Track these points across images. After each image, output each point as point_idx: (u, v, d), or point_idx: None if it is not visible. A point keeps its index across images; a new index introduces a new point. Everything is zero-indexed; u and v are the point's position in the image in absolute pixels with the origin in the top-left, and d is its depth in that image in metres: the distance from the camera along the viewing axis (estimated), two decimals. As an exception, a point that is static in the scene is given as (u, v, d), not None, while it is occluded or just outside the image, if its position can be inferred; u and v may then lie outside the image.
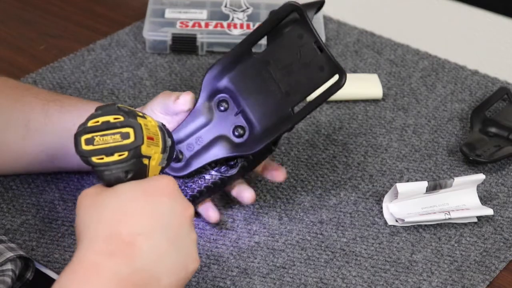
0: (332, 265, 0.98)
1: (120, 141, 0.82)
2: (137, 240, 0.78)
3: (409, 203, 1.03)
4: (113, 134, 0.82)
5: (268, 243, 1.00)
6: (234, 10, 1.35)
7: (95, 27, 1.38)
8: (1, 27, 1.38)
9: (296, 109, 0.96)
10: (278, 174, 1.02)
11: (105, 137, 0.82)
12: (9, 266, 0.92)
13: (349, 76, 1.23)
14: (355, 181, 1.09)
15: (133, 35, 1.35)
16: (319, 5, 0.99)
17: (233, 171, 0.98)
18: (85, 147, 0.82)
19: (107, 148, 0.81)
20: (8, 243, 0.94)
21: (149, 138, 0.83)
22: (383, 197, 1.04)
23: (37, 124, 1.01)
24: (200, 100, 0.98)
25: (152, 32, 1.30)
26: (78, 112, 1.01)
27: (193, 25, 1.32)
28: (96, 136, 0.82)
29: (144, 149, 0.83)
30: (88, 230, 0.79)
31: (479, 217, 1.04)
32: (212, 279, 0.96)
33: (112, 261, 0.77)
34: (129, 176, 0.82)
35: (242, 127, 0.97)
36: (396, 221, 1.03)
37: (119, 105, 0.84)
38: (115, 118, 0.82)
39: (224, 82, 0.98)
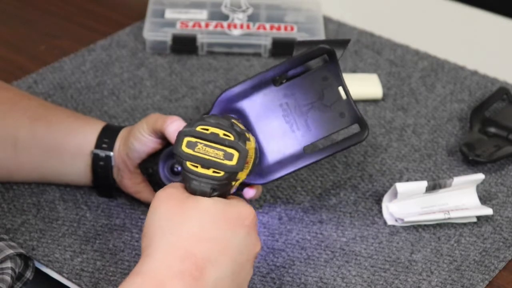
0: (332, 265, 0.98)
1: (221, 159, 0.81)
2: (207, 268, 0.79)
3: (408, 203, 1.03)
4: (217, 149, 0.81)
5: (268, 242, 1.00)
6: (234, 10, 1.36)
7: (95, 27, 1.38)
8: (1, 27, 1.38)
9: (308, 150, 0.96)
10: (251, 192, 0.98)
11: (208, 148, 0.81)
12: (8, 264, 0.92)
13: (349, 76, 1.24)
14: (355, 181, 1.09)
15: (133, 35, 1.35)
16: (347, 45, 0.98)
17: None
18: (185, 148, 0.81)
19: (206, 160, 0.80)
20: (9, 241, 0.94)
21: (246, 162, 0.83)
22: (383, 197, 1.05)
23: (25, 144, 1.01)
24: None
25: (152, 32, 1.31)
26: (65, 131, 1.01)
27: (193, 26, 1.32)
28: (200, 143, 0.81)
29: (239, 174, 0.82)
30: (164, 238, 0.79)
31: (478, 217, 1.04)
32: (212, 278, 0.96)
33: (181, 282, 0.78)
34: (214, 194, 0.81)
35: None
36: (396, 220, 1.03)
37: (234, 120, 0.82)
38: (225, 134, 0.81)
39: (238, 105, 0.96)
